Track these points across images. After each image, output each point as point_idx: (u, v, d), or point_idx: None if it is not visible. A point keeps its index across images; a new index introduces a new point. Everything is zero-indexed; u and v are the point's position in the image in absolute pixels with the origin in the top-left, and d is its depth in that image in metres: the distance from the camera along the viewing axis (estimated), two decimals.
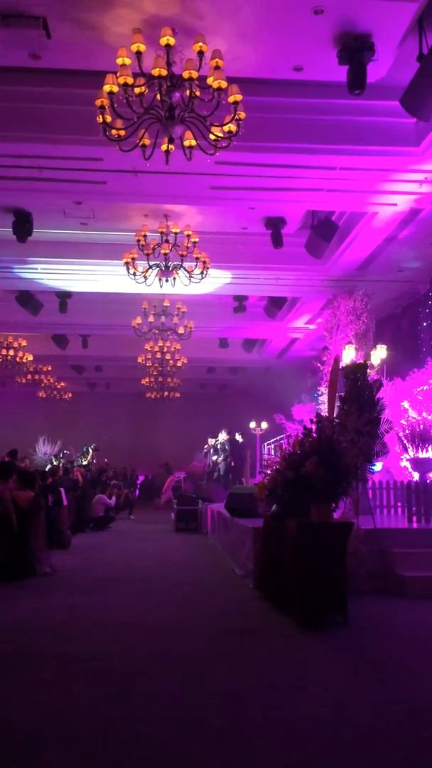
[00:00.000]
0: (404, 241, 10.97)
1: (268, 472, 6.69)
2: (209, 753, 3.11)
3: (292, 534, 5.79)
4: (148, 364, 16.13)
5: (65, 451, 19.30)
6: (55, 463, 15.72)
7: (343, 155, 8.03)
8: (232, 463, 18.37)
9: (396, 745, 3.18)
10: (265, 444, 18.91)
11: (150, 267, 10.10)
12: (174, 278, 10.19)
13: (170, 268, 10.08)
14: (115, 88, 5.57)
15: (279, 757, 3.07)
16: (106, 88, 5.59)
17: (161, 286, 10.28)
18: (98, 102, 5.71)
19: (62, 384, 23.43)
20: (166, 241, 9.85)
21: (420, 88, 6.47)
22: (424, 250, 11.31)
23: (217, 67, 5.56)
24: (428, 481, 9.19)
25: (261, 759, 3.05)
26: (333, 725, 3.43)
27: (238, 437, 19.00)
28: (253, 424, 21.20)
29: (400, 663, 4.58)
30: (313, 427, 6.13)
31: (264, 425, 20.86)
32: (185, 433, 24.20)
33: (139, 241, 9.58)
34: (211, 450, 19.99)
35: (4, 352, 17.83)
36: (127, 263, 10.08)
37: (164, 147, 6.00)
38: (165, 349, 15.46)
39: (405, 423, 10.32)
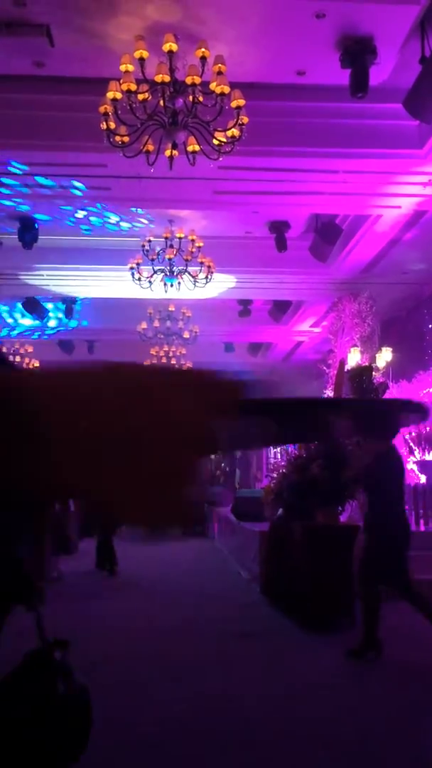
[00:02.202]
0: (409, 243, 10.94)
1: (275, 475, 6.69)
2: (214, 757, 3.11)
3: (299, 538, 5.78)
4: None
5: None
6: None
7: (346, 158, 8.02)
8: (227, 468, 18.35)
9: (400, 748, 3.17)
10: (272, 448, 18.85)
11: (155, 272, 10.12)
12: (179, 283, 10.21)
13: (175, 273, 10.09)
14: (119, 95, 5.61)
15: (283, 760, 3.07)
16: (110, 94, 5.62)
17: (166, 291, 10.30)
18: (102, 109, 5.75)
19: None
20: (171, 246, 9.87)
21: (422, 91, 6.47)
22: (428, 252, 11.27)
23: (219, 73, 5.59)
24: None
25: (264, 762, 3.05)
26: (340, 728, 3.42)
27: None
28: None
29: (407, 666, 4.57)
30: None
31: None
32: None
33: (143, 246, 9.61)
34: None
35: (11, 358, 17.89)
36: (132, 268, 10.11)
37: (168, 153, 6.03)
38: (170, 354, 15.47)
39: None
